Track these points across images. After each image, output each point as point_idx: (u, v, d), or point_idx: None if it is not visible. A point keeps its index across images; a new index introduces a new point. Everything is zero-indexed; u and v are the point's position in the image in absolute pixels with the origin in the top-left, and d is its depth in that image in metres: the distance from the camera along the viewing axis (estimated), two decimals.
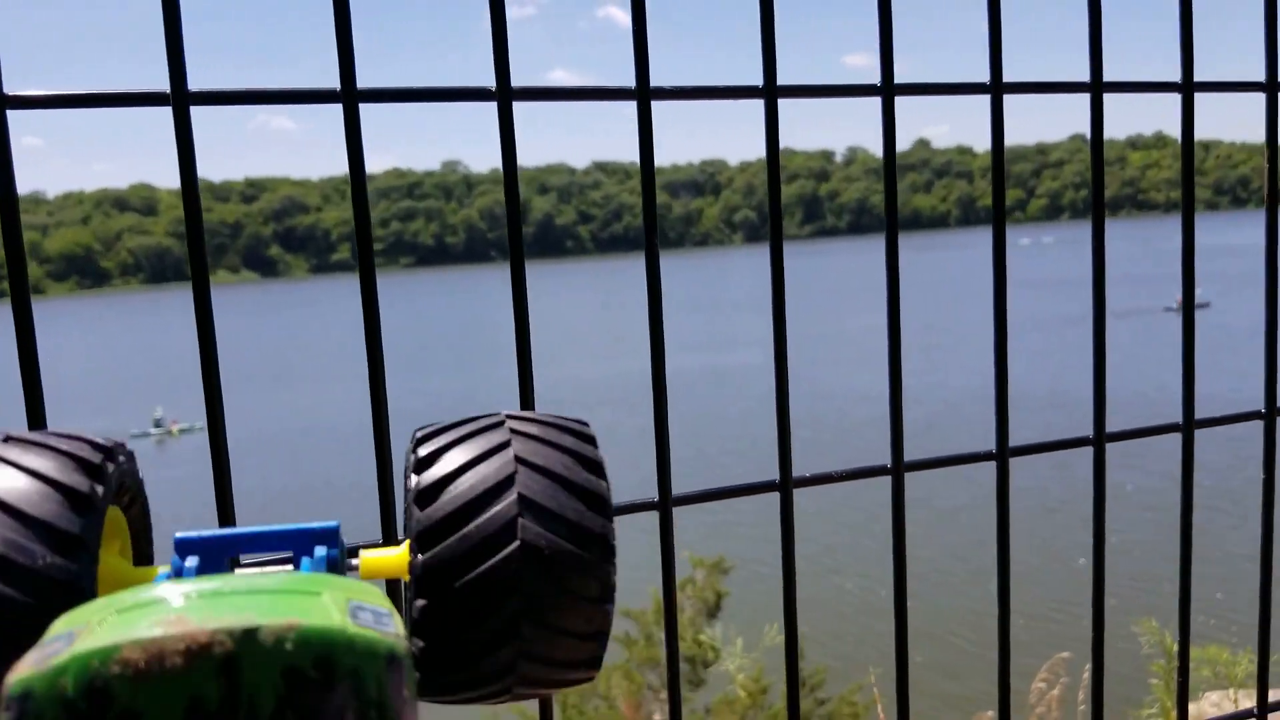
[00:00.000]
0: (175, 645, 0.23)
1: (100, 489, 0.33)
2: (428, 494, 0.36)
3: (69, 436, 0.35)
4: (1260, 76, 0.82)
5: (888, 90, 0.67)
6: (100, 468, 0.34)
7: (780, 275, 0.66)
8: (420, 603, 0.36)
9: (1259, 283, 0.85)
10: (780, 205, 0.65)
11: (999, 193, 0.72)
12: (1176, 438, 0.81)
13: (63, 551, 0.31)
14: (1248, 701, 0.83)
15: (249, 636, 0.24)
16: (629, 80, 0.60)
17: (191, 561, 0.36)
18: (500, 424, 0.38)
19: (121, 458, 0.37)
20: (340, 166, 0.55)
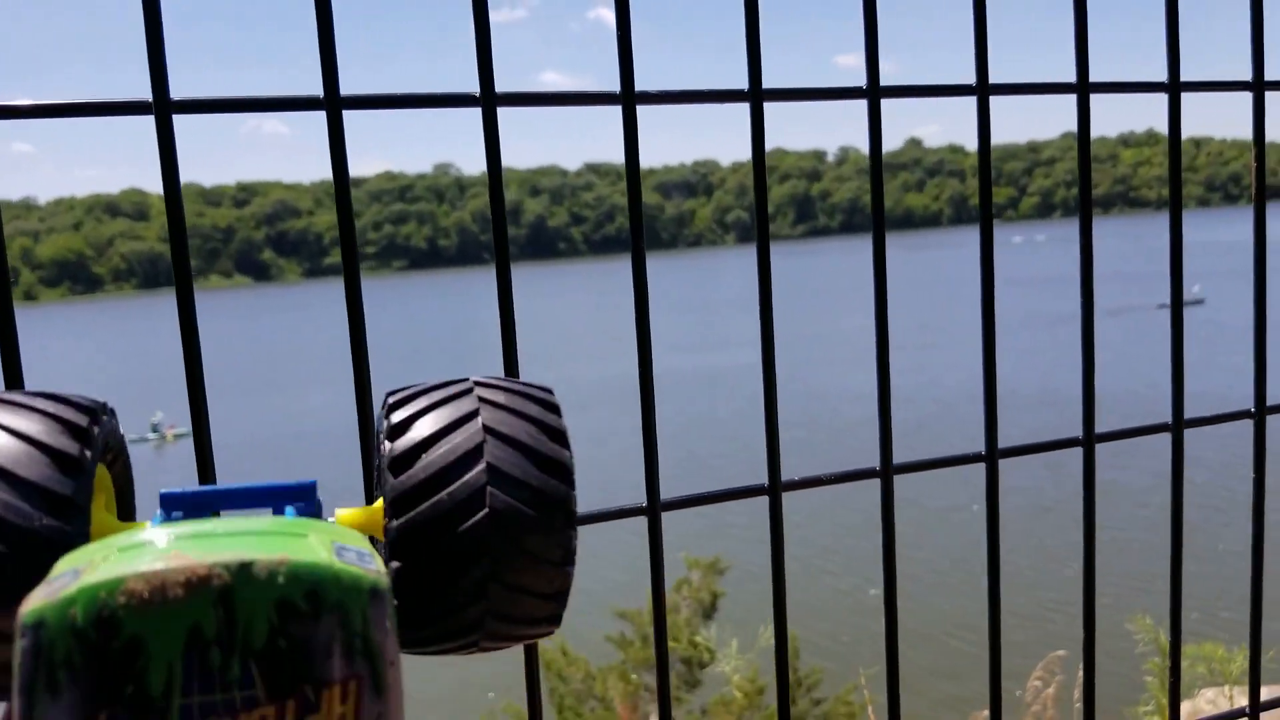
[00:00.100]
0: (176, 578, 0.25)
1: (89, 452, 0.35)
2: (402, 461, 0.38)
3: (56, 398, 0.36)
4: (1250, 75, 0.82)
5: (873, 93, 0.67)
6: (88, 430, 0.35)
7: (767, 281, 0.66)
8: (395, 564, 0.38)
9: (1252, 279, 0.85)
10: (766, 209, 0.65)
11: (986, 195, 0.72)
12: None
13: (57, 513, 0.32)
14: (1243, 698, 0.84)
15: (244, 570, 0.26)
16: (612, 82, 0.60)
17: (176, 516, 0.37)
18: (469, 391, 0.40)
19: (105, 417, 0.38)
20: (328, 169, 0.54)
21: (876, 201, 0.69)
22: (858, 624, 9.26)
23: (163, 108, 0.51)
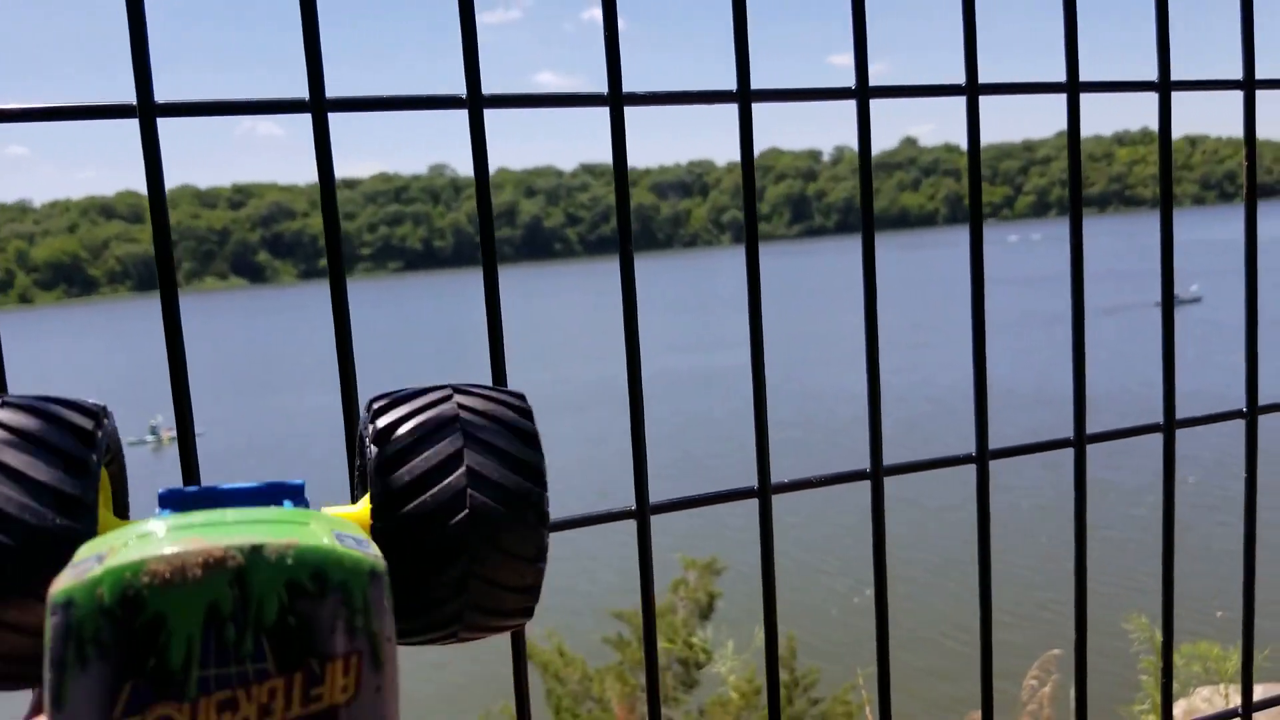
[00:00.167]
0: (195, 559, 0.27)
1: (95, 455, 0.37)
2: (388, 465, 0.40)
3: (63, 403, 0.38)
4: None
5: (862, 93, 0.67)
6: (93, 434, 0.38)
7: (756, 284, 0.66)
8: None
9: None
10: (755, 210, 0.65)
11: (975, 194, 0.72)
12: None
13: (67, 512, 0.35)
14: (1239, 697, 0.83)
15: (257, 552, 0.28)
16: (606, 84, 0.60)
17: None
18: (449, 398, 0.42)
19: (106, 421, 0.40)
20: None
21: (866, 202, 0.69)
22: (855, 624, 9.26)
23: (147, 111, 0.50)
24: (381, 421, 0.41)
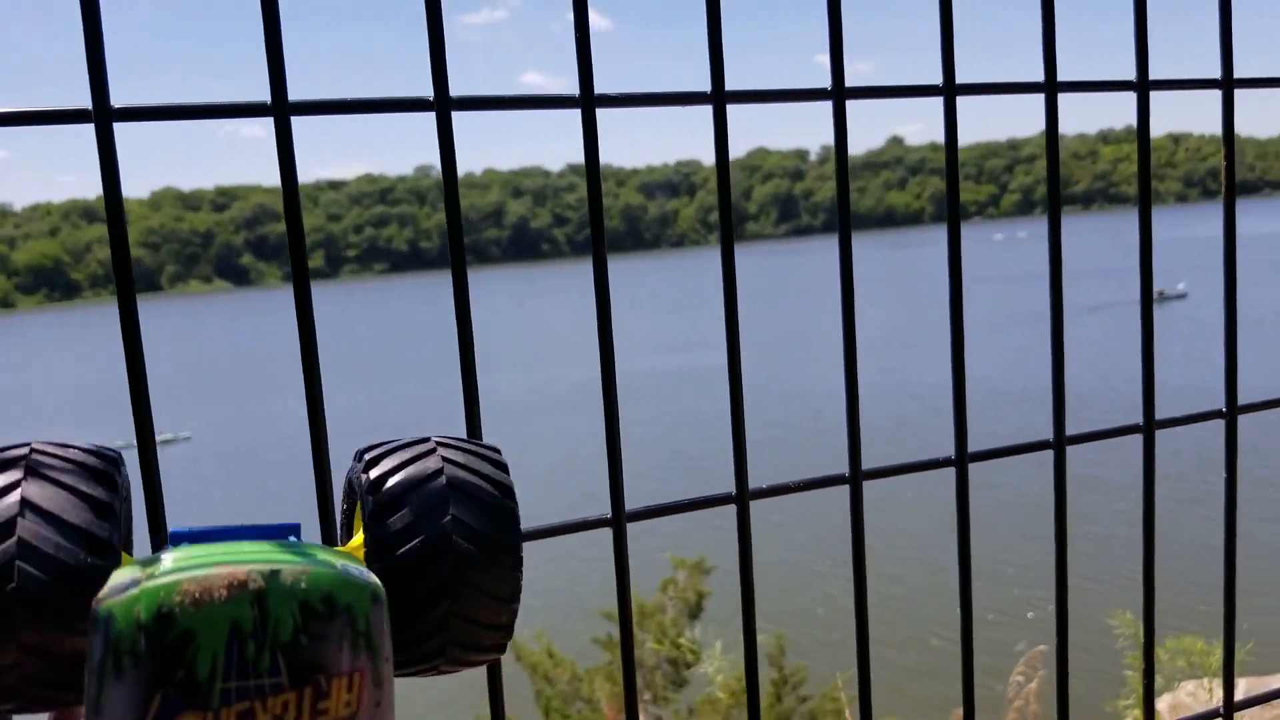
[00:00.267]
0: (220, 582, 0.31)
1: (118, 501, 0.40)
2: (381, 513, 0.43)
3: (87, 450, 0.41)
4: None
5: (838, 94, 0.66)
6: (114, 479, 0.40)
7: (732, 288, 0.65)
8: None
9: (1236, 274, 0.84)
10: (730, 215, 0.64)
11: (953, 194, 0.71)
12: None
13: (95, 552, 0.37)
14: (1221, 691, 0.83)
15: (275, 576, 0.32)
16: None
17: None
18: (433, 451, 0.46)
19: (122, 466, 0.43)
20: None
21: (843, 202, 0.69)
22: (843, 623, 9.27)
23: (103, 116, 0.49)
24: (374, 472, 0.44)
